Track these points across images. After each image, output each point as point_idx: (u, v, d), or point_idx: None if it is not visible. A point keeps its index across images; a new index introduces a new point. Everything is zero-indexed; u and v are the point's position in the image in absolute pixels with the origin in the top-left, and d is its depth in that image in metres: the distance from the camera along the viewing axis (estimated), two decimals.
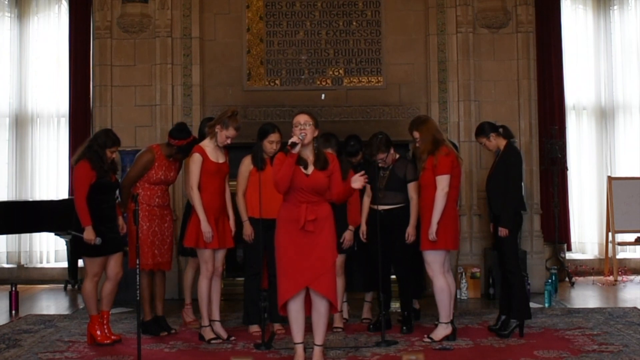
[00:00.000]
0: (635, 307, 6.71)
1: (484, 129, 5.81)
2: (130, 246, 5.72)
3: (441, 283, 5.49)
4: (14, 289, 7.05)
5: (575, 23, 9.37)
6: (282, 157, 4.69)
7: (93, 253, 5.48)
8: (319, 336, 4.73)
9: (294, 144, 4.61)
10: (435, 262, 5.51)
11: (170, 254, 5.95)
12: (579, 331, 5.78)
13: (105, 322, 5.58)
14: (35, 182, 9.26)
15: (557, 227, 8.57)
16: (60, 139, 9.26)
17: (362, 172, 4.74)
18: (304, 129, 4.66)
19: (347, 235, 5.91)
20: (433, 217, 5.42)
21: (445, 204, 5.44)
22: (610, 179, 8.79)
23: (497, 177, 5.70)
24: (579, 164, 9.32)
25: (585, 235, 9.33)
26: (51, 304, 7.62)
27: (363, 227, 5.95)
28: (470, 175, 7.86)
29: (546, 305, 6.87)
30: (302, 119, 4.72)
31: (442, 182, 5.45)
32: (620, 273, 8.60)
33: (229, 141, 5.58)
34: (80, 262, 7.46)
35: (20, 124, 9.28)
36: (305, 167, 4.69)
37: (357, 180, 4.68)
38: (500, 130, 5.77)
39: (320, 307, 4.68)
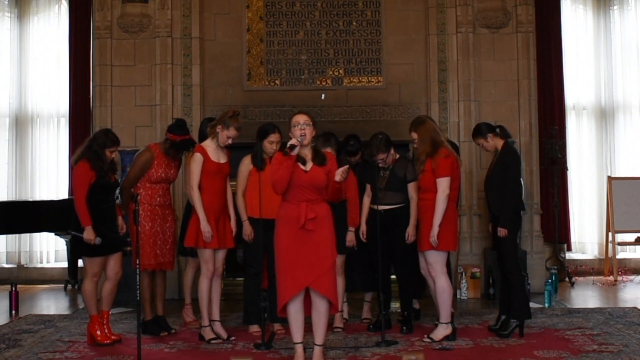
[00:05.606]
0: (635, 307, 6.71)
1: (480, 130, 5.80)
2: (133, 246, 5.71)
3: (442, 283, 5.49)
4: (14, 289, 7.05)
5: (575, 23, 9.38)
6: (280, 157, 4.68)
7: (93, 253, 5.48)
8: (319, 336, 4.73)
9: (292, 147, 4.60)
10: (437, 262, 5.51)
11: (173, 253, 5.95)
12: (579, 331, 5.78)
13: (105, 322, 5.58)
14: (35, 182, 9.27)
15: (557, 227, 8.56)
16: (60, 139, 9.26)
17: (346, 167, 4.67)
18: (303, 128, 4.67)
19: (349, 236, 5.91)
20: (435, 220, 5.42)
21: (446, 206, 5.45)
22: (610, 179, 8.79)
23: (495, 177, 5.69)
24: (579, 164, 9.32)
25: (585, 235, 9.34)
26: (51, 304, 7.62)
27: (363, 227, 5.94)
28: (470, 175, 7.85)
29: (546, 305, 6.87)
30: (302, 119, 4.72)
31: (443, 185, 5.44)
32: (620, 273, 8.59)
33: (230, 141, 5.59)
34: (80, 262, 7.46)
35: (20, 124, 9.29)
36: (304, 164, 4.70)
37: (339, 174, 4.60)
38: (498, 130, 5.77)
39: (320, 306, 4.67)
